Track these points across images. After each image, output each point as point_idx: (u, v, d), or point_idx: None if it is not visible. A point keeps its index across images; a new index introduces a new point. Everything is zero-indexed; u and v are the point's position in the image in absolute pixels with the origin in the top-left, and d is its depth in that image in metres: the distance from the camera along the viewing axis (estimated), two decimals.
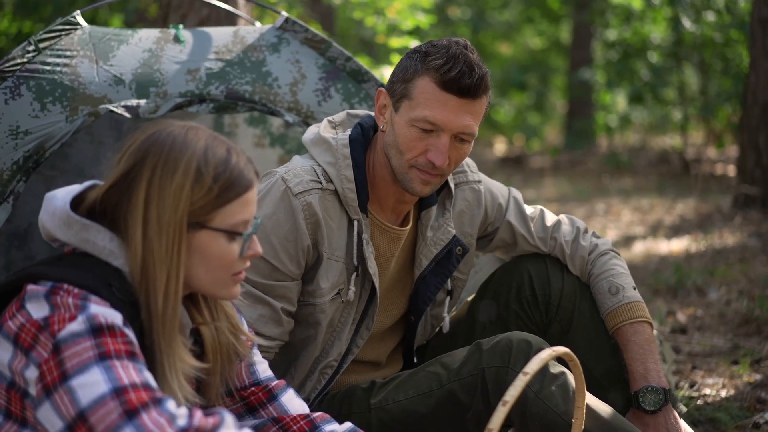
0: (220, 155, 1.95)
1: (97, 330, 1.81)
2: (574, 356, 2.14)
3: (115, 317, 1.84)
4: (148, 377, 1.82)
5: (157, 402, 1.78)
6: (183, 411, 1.81)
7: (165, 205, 1.90)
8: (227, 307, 2.15)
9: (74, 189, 2.00)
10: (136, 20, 6.32)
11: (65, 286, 1.86)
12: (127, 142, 1.98)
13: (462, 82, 2.53)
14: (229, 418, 1.84)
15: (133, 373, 1.80)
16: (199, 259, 1.96)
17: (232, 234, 1.96)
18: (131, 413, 1.75)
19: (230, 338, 2.14)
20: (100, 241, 1.93)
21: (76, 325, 1.81)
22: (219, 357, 2.13)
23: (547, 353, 2.03)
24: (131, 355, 1.83)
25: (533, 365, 1.99)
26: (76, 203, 1.98)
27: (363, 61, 8.66)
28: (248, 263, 2.03)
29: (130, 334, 1.85)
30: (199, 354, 2.08)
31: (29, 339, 1.83)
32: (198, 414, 1.82)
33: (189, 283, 1.99)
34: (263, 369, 2.27)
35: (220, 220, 1.95)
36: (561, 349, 2.09)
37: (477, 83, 2.54)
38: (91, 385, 1.77)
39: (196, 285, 2.00)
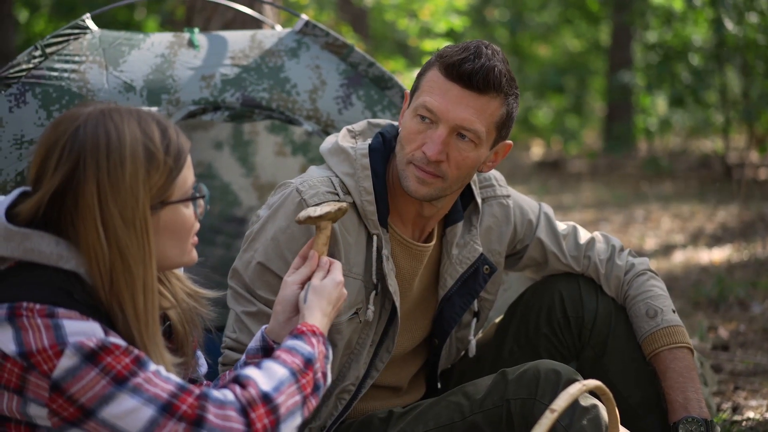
0: (156, 126, 1.89)
1: (92, 356, 1.74)
2: (607, 390, 2.04)
3: (95, 330, 1.76)
4: (170, 376, 1.78)
5: (204, 398, 1.75)
6: (227, 393, 1.78)
7: (124, 199, 1.82)
8: (177, 275, 2.09)
9: (5, 200, 1.89)
10: (164, 23, 6.27)
11: (24, 304, 1.76)
12: (44, 144, 1.85)
13: (463, 67, 2.40)
14: (252, 371, 1.82)
15: (159, 382, 1.75)
16: (168, 236, 1.91)
17: (193, 200, 1.94)
18: (198, 422, 1.73)
19: (190, 303, 2.08)
20: (45, 248, 1.83)
21: (68, 360, 1.73)
22: (187, 328, 2.08)
23: (577, 388, 1.94)
24: (139, 363, 1.76)
25: (561, 401, 1.90)
26: (10, 215, 1.87)
27: (397, 64, 8.55)
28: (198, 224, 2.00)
29: (117, 340, 1.77)
30: (169, 335, 2.04)
31: (14, 380, 1.75)
32: (236, 388, 1.79)
33: (158, 266, 1.93)
34: (201, 373, 2.21)
35: (178, 192, 1.91)
36: (592, 383, 1.99)
37: (481, 72, 2.39)
38: (129, 413, 1.72)
39: (164, 263, 1.94)
